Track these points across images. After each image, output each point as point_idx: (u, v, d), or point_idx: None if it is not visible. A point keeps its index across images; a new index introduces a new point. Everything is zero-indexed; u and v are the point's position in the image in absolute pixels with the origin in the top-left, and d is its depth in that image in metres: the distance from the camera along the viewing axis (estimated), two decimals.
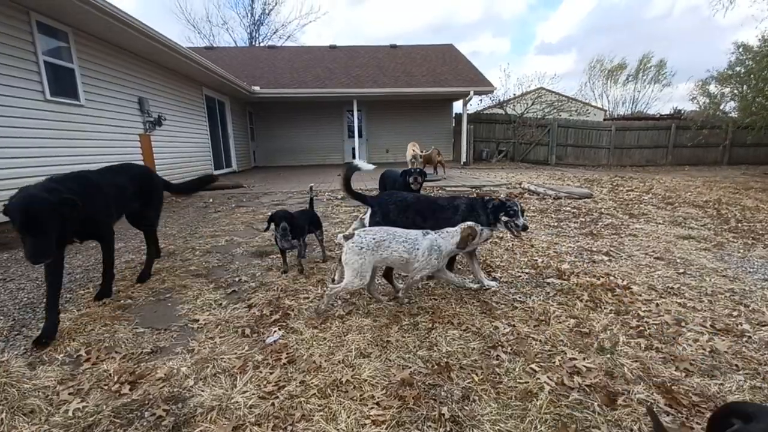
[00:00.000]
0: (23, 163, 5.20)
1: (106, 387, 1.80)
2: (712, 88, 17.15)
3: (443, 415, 1.56)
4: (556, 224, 4.96)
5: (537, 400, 1.67)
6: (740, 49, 14.73)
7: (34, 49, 5.42)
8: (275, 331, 2.25)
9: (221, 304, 2.66)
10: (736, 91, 15.83)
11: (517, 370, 1.89)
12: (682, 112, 21.20)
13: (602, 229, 4.67)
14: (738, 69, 14.81)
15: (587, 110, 20.45)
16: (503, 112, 17.07)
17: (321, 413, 1.59)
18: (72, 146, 6.13)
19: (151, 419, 1.58)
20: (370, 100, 14.97)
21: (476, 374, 1.85)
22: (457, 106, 16.23)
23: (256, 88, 13.03)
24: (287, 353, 2.03)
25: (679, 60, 59.03)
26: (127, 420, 1.59)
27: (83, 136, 6.40)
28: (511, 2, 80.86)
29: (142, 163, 7.93)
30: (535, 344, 2.11)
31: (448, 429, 1.50)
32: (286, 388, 1.74)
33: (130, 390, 1.77)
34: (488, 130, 16.94)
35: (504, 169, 13.11)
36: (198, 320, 2.43)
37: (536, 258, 3.58)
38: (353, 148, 15.13)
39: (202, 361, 1.98)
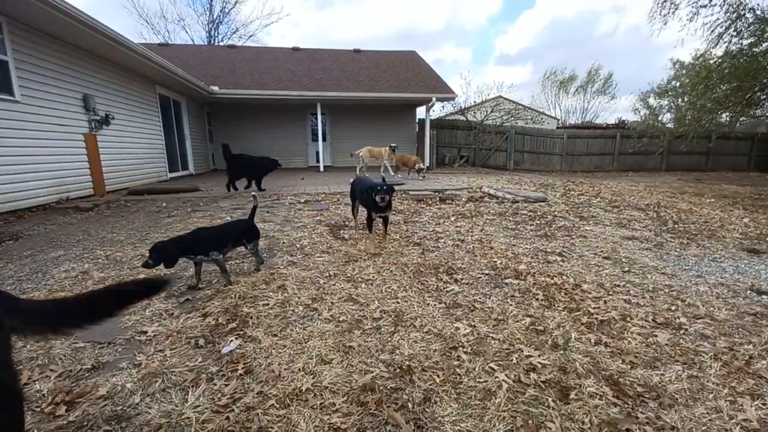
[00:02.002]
0: None
1: (38, 409, 1.63)
2: (652, 100, 18.68)
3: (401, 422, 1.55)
4: (513, 227, 5.15)
5: (495, 398, 1.70)
6: (676, 65, 16.15)
7: None
8: (232, 341, 2.15)
9: (173, 314, 2.51)
10: (672, 104, 17.33)
11: (476, 369, 1.92)
12: (626, 122, 22.88)
13: (556, 231, 4.91)
14: (674, 83, 16.23)
15: (542, 119, 21.54)
16: (464, 119, 17.59)
17: (279, 424, 1.53)
18: (5, 145, 5.60)
19: None
20: (334, 103, 14.90)
21: (437, 376, 1.87)
22: (420, 112, 16.53)
23: (215, 89, 12.56)
24: (244, 363, 1.94)
25: (623, 74, 63.87)
26: None
27: (18, 134, 5.86)
28: (473, 15, 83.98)
29: (86, 164, 7.39)
30: (494, 343, 2.16)
31: (407, 430, 1.49)
32: (242, 400, 1.66)
33: (67, 411, 1.62)
34: (450, 136, 17.37)
35: (465, 174, 13.47)
36: (146, 332, 2.27)
37: (495, 260, 3.69)
38: (317, 152, 14.96)
39: (149, 376, 1.85)
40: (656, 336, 2.26)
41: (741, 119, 15.52)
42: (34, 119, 6.18)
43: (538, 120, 20.12)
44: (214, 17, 29.07)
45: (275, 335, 2.21)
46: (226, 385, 1.77)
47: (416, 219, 5.62)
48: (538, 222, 5.46)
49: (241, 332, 2.25)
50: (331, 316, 2.48)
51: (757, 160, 18.34)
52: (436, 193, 7.75)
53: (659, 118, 18.56)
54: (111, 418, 1.57)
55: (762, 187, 10.97)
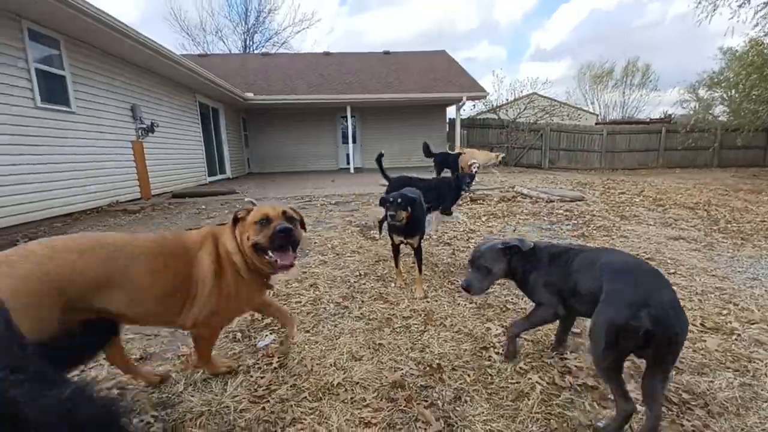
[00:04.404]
0: (12, 171, 5.16)
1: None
2: (702, 92, 17.47)
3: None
4: (548, 227, 4.99)
5: (528, 399, 1.67)
6: (726, 55, 15.04)
7: (25, 55, 5.40)
8: (267, 336, 2.23)
9: None
10: (725, 95, 16.13)
11: (508, 370, 1.89)
12: (672, 116, 21.53)
13: (594, 231, 4.71)
14: (726, 74, 15.10)
15: (579, 115, 20.70)
16: (496, 117, 17.22)
17: (312, 416, 1.57)
18: (63, 153, 6.10)
19: (139, 425, 1.56)
20: (364, 106, 15.06)
21: (468, 375, 1.85)
22: (451, 112, 16.36)
23: (250, 95, 13.05)
24: (279, 357, 2.01)
25: (666, 66, 60.11)
26: None
27: (74, 143, 6.36)
28: (508, 11, 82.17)
29: (134, 170, 7.90)
30: (527, 345, 2.11)
31: (440, 430, 1.49)
32: (277, 392, 1.73)
33: (119, 396, 1.74)
34: (481, 135, 17.07)
35: (497, 173, 13.19)
36: None
37: None
38: (347, 154, 15.17)
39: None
40: (705, 341, 2.13)
41: None
42: (88, 128, 6.68)
43: (575, 116, 19.34)
44: (249, 26, 30.22)
45: (307, 331, 2.28)
46: (262, 377, 1.84)
47: (446, 219, 5.57)
48: (575, 222, 5.26)
49: (276, 328, 2.33)
50: (361, 314, 2.52)
51: None
52: (467, 194, 7.64)
53: (710, 111, 17.29)
54: (157, 405, 1.68)
55: None
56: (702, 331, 2.24)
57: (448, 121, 17.05)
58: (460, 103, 14.48)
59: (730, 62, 14.69)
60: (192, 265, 1.58)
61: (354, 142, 15.34)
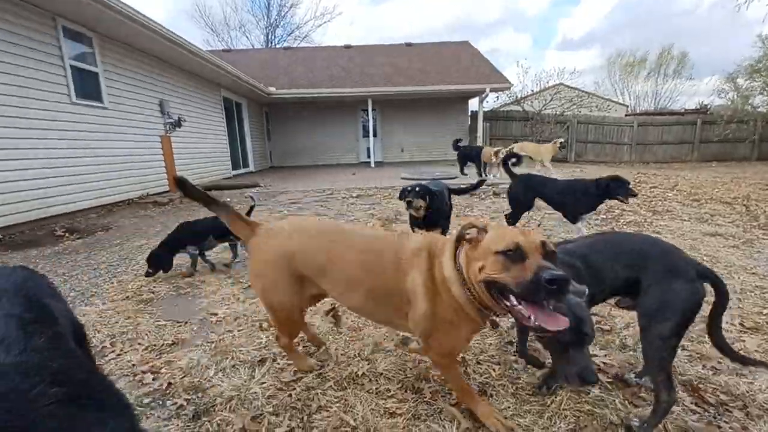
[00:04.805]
0: (50, 164, 5.41)
1: (129, 376, 1.85)
2: (741, 81, 16.49)
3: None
4: None
5: (556, 396, 1.63)
6: (766, 42, 14.11)
7: (60, 53, 5.63)
8: None
9: (239, 298, 2.71)
10: (765, 84, 15.18)
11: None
12: (709, 106, 20.44)
13: (624, 226, 4.55)
14: (766, 62, 14.20)
15: (608, 106, 19.97)
16: (521, 109, 16.81)
17: (338, 404, 1.60)
18: (96, 147, 6.35)
19: (172, 408, 1.62)
20: (385, 99, 14.98)
21: (494, 370, 1.83)
22: (473, 104, 16.08)
23: (273, 89, 13.20)
24: (303, 346, 2.05)
25: (702, 55, 56.99)
26: (149, 408, 1.63)
27: (107, 137, 6.61)
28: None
29: (162, 163, 8.15)
30: None
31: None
32: (303, 380, 1.76)
33: (153, 380, 1.82)
34: (504, 128, 16.71)
35: (520, 168, 12.90)
36: (217, 314, 2.47)
37: None
38: (368, 148, 15.18)
39: (221, 353, 2.01)
40: (744, 341, 2.03)
41: None
42: (119, 123, 6.93)
43: (604, 107, 18.66)
44: (271, 21, 30.50)
45: (332, 322, 2.30)
46: (288, 365, 1.88)
47: (468, 213, 5.51)
48: (604, 216, 5.10)
49: None
50: None
51: None
52: (490, 187, 7.52)
53: (749, 101, 16.31)
54: (189, 389, 1.74)
55: None
56: (741, 331, 2.14)
57: (470, 113, 16.78)
58: (483, 95, 14.19)
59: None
60: (402, 275, 1.38)
61: (375, 135, 15.32)
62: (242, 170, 12.80)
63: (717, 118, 16.02)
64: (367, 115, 14.28)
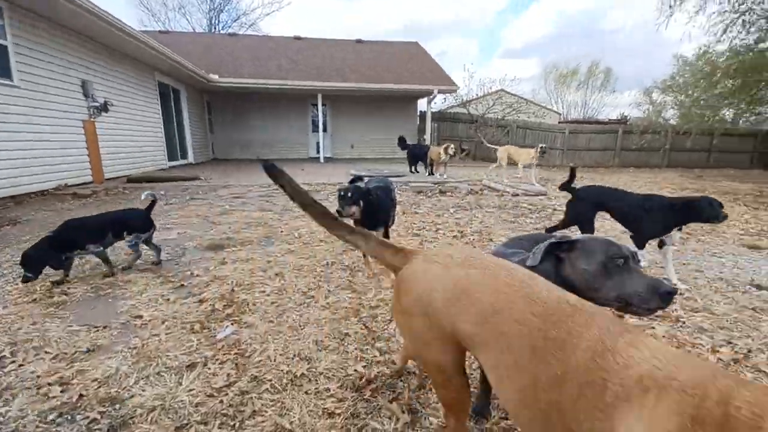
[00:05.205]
0: None
1: (32, 390, 1.63)
2: (656, 96, 18.51)
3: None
4: (513, 219, 5.13)
5: None
6: (680, 61, 16.00)
7: None
8: (227, 326, 2.14)
9: (169, 299, 2.50)
10: (676, 100, 17.19)
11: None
12: (628, 117, 22.72)
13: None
14: (678, 79, 16.08)
15: (543, 113, 21.40)
16: (466, 112, 17.47)
17: (273, 408, 1.52)
18: (5, 130, 5.56)
19: (83, 423, 1.45)
20: (335, 94, 14.79)
21: None
22: (422, 104, 16.41)
23: (215, 77, 12.46)
24: (239, 348, 1.94)
25: (627, 70, 63.23)
26: (55, 425, 1.44)
27: (18, 119, 5.82)
28: (482, 7, 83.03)
29: (85, 151, 7.35)
30: None
31: (406, 420, 1.49)
32: (236, 384, 1.66)
33: (61, 392, 1.61)
34: (452, 129, 17.27)
35: (466, 167, 13.43)
36: (142, 316, 2.26)
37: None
38: (318, 143, 14.90)
39: (145, 360, 1.84)
40: (654, 328, 2.26)
41: (744, 116, 15.41)
42: (33, 104, 6.13)
43: (540, 114, 20.01)
44: (215, 4, 28.75)
45: (271, 321, 2.21)
46: (221, 369, 1.76)
47: (415, 210, 5.61)
48: (538, 215, 5.44)
49: (237, 318, 2.25)
50: (327, 303, 2.47)
51: (759, 157, 18.23)
52: (436, 185, 7.72)
53: (662, 114, 18.40)
54: (104, 400, 1.57)
55: (763, 185, 10.92)
56: (651, 319, 2.38)
57: (419, 113, 17.11)
58: (432, 96, 14.55)
59: (681, 68, 15.65)
60: (610, 409, 0.71)
61: (325, 131, 15.07)
62: (180, 162, 11.94)
63: (634, 128, 17.85)
64: (317, 110, 14.00)
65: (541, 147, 9.00)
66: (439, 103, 18.47)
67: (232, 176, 9.39)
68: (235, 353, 1.89)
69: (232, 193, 6.87)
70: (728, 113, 14.95)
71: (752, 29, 11.19)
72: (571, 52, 71.96)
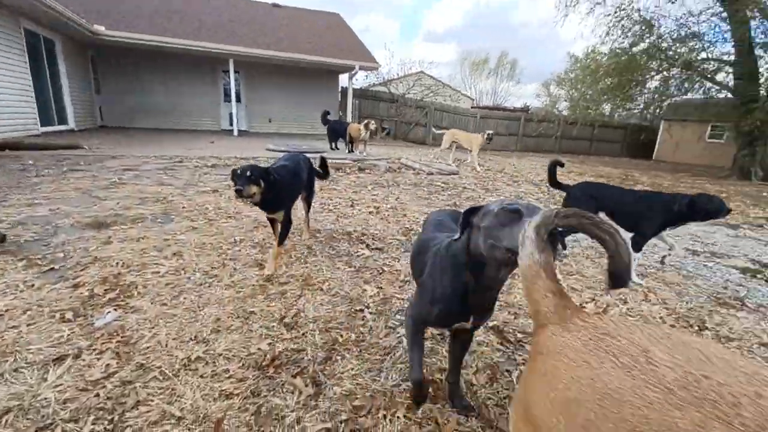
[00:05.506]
0: None
1: None
2: (552, 88, 20.68)
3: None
4: (427, 196, 5.37)
5: (396, 353, 1.77)
6: (571, 59, 17.99)
7: None
8: (109, 312, 1.90)
9: (33, 285, 2.12)
10: (568, 94, 19.40)
11: (380, 327, 1.97)
12: (530, 107, 25.07)
13: (464, 201, 5.24)
14: (570, 75, 18.13)
15: (458, 97, 22.51)
16: (387, 91, 17.56)
17: (162, 396, 1.40)
18: None
19: None
20: (250, 61, 13.66)
21: (341, 335, 1.88)
22: (344, 80, 16.05)
23: (100, 28, 10.57)
24: (123, 335, 1.73)
25: (532, 63, 69.25)
26: None
27: None
28: None
29: None
30: (398, 303, 2.24)
31: (309, 392, 1.48)
32: (117, 375, 1.48)
33: None
34: (373, 107, 17.25)
35: (386, 146, 13.61)
36: None
37: (407, 226, 3.81)
38: (231, 114, 13.73)
39: None
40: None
41: (619, 111, 18.06)
42: None
43: (455, 98, 21.02)
44: None
45: (164, 304, 2.01)
46: (99, 360, 1.56)
47: (333, 187, 5.53)
48: (449, 192, 5.77)
49: (123, 303, 2.00)
50: (232, 282, 2.33)
51: (628, 147, 21.62)
52: (356, 162, 7.69)
53: (556, 106, 20.70)
54: None
55: (628, 170, 13.00)
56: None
57: (340, 89, 16.73)
58: (353, 72, 14.27)
59: (573, 65, 17.65)
60: None
61: (238, 101, 13.92)
62: (58, 127, 10.06)
63: (534, 117, 19.79)
64: (229, 77, 12.81)
65: (488, 133, 9.22)
66: (361, 80, 18.30)
67: (125, 146, 8.22)
68: (118, 341, 1.68)
69: (124, 165, 6.03)
70: (607, 108, 17.32)
71: (629, 34, 12.97)
72: (484, 42, 76.23)
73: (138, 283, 2.22)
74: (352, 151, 9.48)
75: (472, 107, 26.56)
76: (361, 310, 2.14)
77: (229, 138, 11.99)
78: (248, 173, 2.30)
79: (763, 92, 11.39)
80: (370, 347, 1.81)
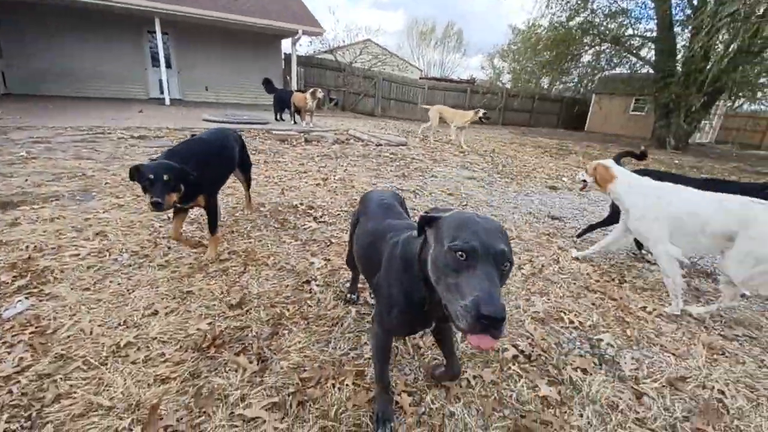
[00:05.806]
0: None
1: None
2: (496, 61, 21.12)
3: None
4: (375, 167, 5.33)
5: (343, 324, 1.78)
6: (514, 32, 18.38)
7: None
8: (19, 301, 1.69)
9: None
10: (510, 66, 19.94)
11: (327, 299, 1.96)
12: (475, 79, 25.52)
13: (412, 172, 5.28)
14: (512, 47, 18.57)
15: (407, 67, 22.27)
16: (333, 59, 16.88)
17: (87, 387, 1.28)
18: None
19: None
20: (179, 20, 12.33)
21: (288, 309, 1.84)
22: (286, 47, 15.13)
23: None
24: (38, 326, 1.55)
25: (478, 35, 69.90)
26: None
27: None
28: None
29: None
30: (346, 274, 2.23)
31: (254, 369, 1.44)
32: (32, 368, 1.34)
33: None
34: (319, 76, 16.54)
35: (334, 117, 13.23)
36: None
37: (355, 197, 3.77)
38: (160, 80, 12.46)
39: None
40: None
41: (556, 84, 18.96)
42: None
43: (404, 68, 20.75)
44: None
45: (87, 289, 1.83)
46: (9, 354, 1.39)
47: (278, 159, 5.30)
48: (398, 163, 5.77)
49: (36, 290, 1.79)
50: (166, 261, 2.17)
51: (563, 119, 22.95)
52: (302, 134, 7.40)
53: (500, 78, 21.24)
54: None
55: (563, 140, 13.85)
56: None
57: (283, 56, 15.78)
58: (297, 37, 13.45)
59: (515, 38, 18.06)
60: None
61: (168, 67, 12.63)
62: None
63: (479, 89, 20.20)
64: (156, 39, 11.50)
65: (484, 112, 8.62)
66: (305, 46, 17.40)
67: (35, 116, 7.18)
68: (32, 333, 1.51)
69: (34, 137, 5.28)
70: (545, 81, 18.10)
71: (566, 7, 13.44)
72: (432, 10, 75.27)
73: (54, 267, 1.99)
74: (298, 123, 9.10)
75: (420, 78, 26.48)
76: (308, 282, 2.11)
77: (160, 107, 10.95)
78: (165, 177, 1.80)
79: (679, 67, 12.49)
80: (318, 319, 1.79)
